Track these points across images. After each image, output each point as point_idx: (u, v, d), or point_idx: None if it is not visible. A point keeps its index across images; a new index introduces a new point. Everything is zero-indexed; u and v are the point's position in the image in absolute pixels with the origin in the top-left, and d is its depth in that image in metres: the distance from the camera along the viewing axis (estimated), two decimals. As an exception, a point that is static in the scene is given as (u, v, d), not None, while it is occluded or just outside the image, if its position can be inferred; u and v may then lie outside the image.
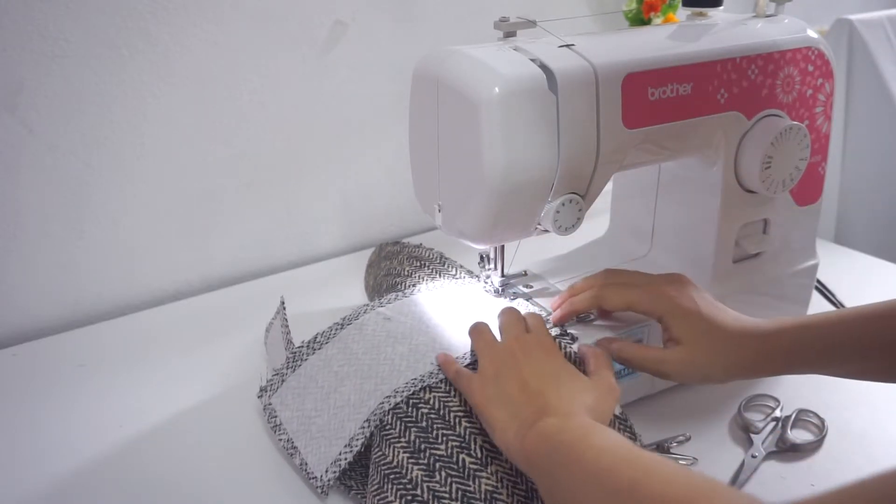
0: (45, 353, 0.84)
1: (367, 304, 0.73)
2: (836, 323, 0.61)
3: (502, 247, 0.72)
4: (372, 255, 0.97)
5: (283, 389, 0.69)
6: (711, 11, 0.76)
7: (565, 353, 0.63)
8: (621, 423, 0.61)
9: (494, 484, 0.57)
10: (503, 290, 0.74)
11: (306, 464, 0.63)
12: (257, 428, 0.71)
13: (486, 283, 0.75)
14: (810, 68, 0.73)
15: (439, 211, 0.68)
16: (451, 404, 0.61)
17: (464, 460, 0.58)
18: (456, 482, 0.56)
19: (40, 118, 0.83)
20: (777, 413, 0.71)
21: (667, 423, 0.70)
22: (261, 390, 0.71)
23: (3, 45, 0.79)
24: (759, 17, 0.75)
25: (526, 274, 0.76)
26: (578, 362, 0.63)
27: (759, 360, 0.62)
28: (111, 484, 0.65)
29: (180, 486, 0.65)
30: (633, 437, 0.61)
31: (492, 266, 0.73)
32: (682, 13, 0.83)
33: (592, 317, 0.70)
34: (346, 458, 0.61)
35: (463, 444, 0.58)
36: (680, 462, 0.65)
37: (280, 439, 0.66)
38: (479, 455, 0.58)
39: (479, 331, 0.64)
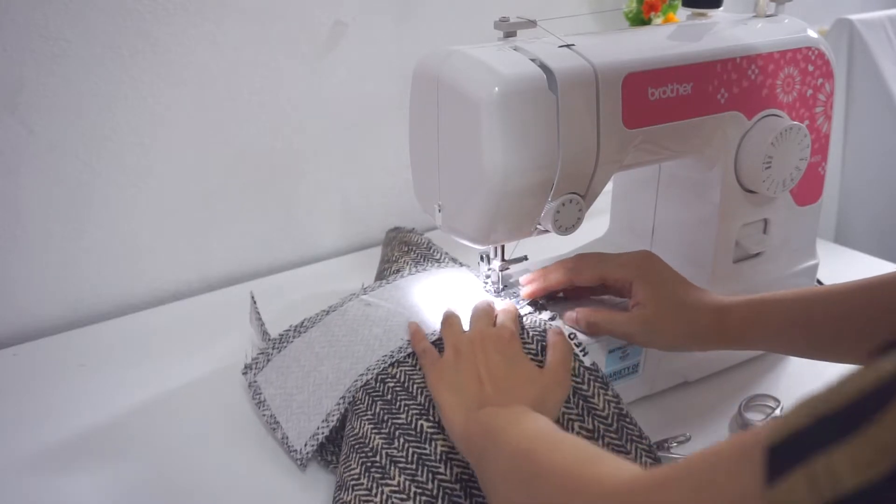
0: (46, 353, 0.84)
1: (353, 293, 0.76)
2: (791, 300, 0.63)
3: (502, 247, 0.72)
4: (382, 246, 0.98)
5: (267, 368, 0.73)
6: (711, 12, 0.76)
7: (534, 338, 0.65)
8: (592, 375, 0.63)
9: (451, 445, 0.59)
10: (503, 290, 0.74)
11: (287, 438, 0.67)
12: (255, 423, 0.71)
13: (485, 282, 0.75)
14: (810, 68, 0.73)
15: (439, 211, 0.68)
16: (415, 377, 0.64)
17: (422, 426, 0.60)
18: (413, 447, 0.59)
19: (40, 118, 0.83)
20: (777, 413, 0.71)
21: (667, 423, 0.70)
22: (245, 367, 0.74)
23: (4, 45, 0.79)
24: (759, 17, 0.75)
25: (527, 258, 0.76)
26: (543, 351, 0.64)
27: (715, 331, 0.65)
28: (111, 482, 0.65)
29: (180, 482, 0.65)
30: (605, 386, 0.63)
31: (492, 267, 0.73)
32: (683, 13, 0.83)
33: (561, 295, 0.72)
34: (322, 433, 0.65)
35: (422, 412, 0.61)
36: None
37: (264, 414, 0.70)
38: (437, 419, 0.61)
39: (448, 321, 0.66)
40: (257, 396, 0.71)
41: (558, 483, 0.44)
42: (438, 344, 0.66)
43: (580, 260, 0.69)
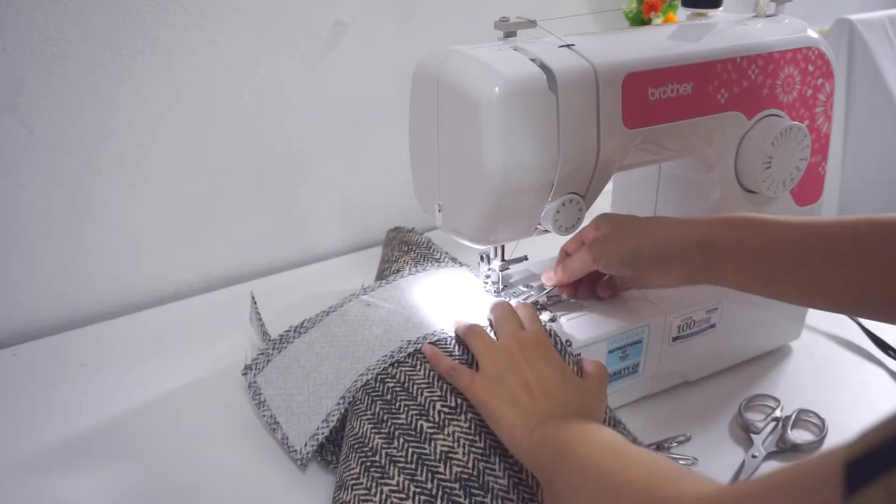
0: (45, 353, 0.84)
1: (353, 294, 0.76)
2: (785, 226, 0.61)
3: (502, 247, 0.72)
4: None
5: (267, 369, 0.73)
6: (711, 12, 0.76)
7: (557, 344, 0.64)
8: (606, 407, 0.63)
9: (451, 444, 0.59)
10: (503, 290, 0.74)
11: (287, 438, 0.67)
12: (255, 424, 0.71)
13: (485, 282, 0.75)
14: (810, 68, 0.73)
15: (439, 211, 0.68)
16: (415, 377, 0.64)
17: (421, 426, 0.60)
18: (412, 446, 0.59)
19: (40, 118, 0.83)
20: (777, 413, 0.71)
21: (667, 423, 0.70)
22: (245, 368, 0.74)
23: (4, 45, 0.79)
24: (759, 17, 0.75)
25: (527, 258, 0.76)
26: (568, 352, 0.64)
27: (689, 253, 0.64)
28: (111, 482, 0.65)
29: (180, 482, 0.65)
30: (624, 430, 0.62)
31: (492, 267, 0.73)
32: (683, 13, 0.83)
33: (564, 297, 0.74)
34: (322, 433, 0.65)
35: (422, 412, 0.61)
36: (680, 462, 0.65)
37: (264, 415, 0.70)
38: (437, 420, 0.60)
39: (474, 332, 0.64)
40: (257, 397, 0.71)
41: (640, 499, 0.44)
42: (442, 347, 0.65)
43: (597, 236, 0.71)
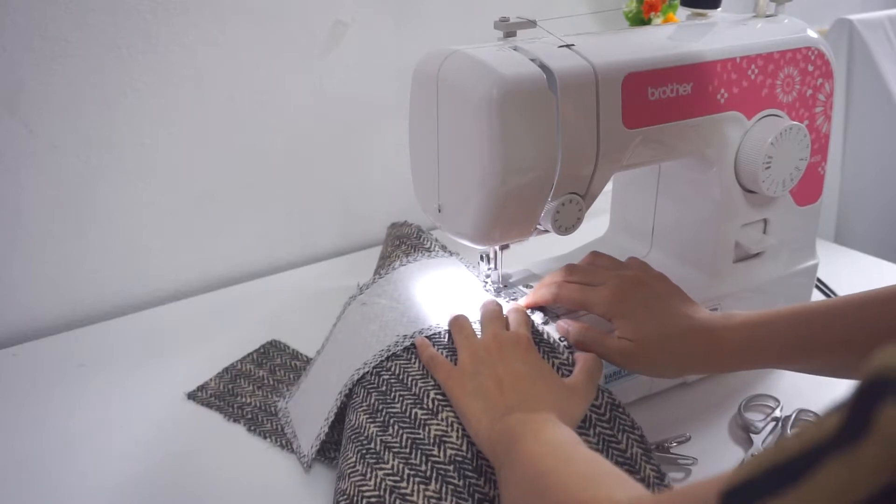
0: (45, 353, 0.84)
1: (351, 296, 0.77)
2: (787, 318, 0.61)
3: (502, 247, 0.72)
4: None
5: (298, 394, 0.74)
6: (711, 12, 0.76)
7: (545, 342, 0.64)
8: (605, 391, 0.62)
9: (444, 429, 0.60)
10: (503, 290, 0.74)
11: (300, 447, 0.68)
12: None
13: (485, 282, 0.75)
14: (810, 68, 0.73)
15: (439, 211, 0.68)
16: (410, 370, 0.64)
17: (416, 413, 0.61)
18: (406, 432, 0.60)
19: (40, 118, 0.83)
20: (777, 413, 0.71)
21: (667, 423, 0.70)
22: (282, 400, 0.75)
23: (4, 45, 0.79)
24: (758, 17, 0.75)
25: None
26: (561, 351, 0.64)
27: (709, 358, 0.63)
28: (111, 482, 0.65)
29: (180, 482, 0.65)
30: (623, 413, 0.62)
31: (492, 266, 0.73)
32: (682, 13, 0.83)
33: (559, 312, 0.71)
34: (323, 431, 0.66)
35: (416, 400, 0.62)
36: (679, 462, 0.65)
37: (285, 433, 0.70)
38: (431, 406, 0.61)
39: (460, 325, 0.65)
40: (285, 418, 0.72)
41: (562, 500, 0.45)
42: (437, 339, 0.66)
43: (567, 278, 0.68)
